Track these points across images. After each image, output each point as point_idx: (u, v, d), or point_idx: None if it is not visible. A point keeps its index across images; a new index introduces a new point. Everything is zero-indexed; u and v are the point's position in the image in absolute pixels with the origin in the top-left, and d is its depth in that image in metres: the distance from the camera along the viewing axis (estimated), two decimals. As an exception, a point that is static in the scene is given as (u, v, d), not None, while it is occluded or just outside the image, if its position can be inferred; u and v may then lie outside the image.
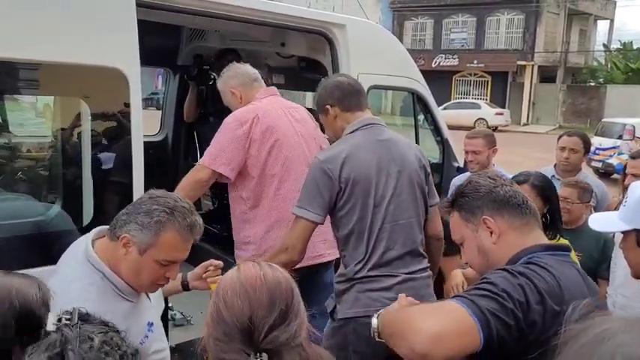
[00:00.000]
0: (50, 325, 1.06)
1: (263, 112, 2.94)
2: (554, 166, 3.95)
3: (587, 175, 3.89)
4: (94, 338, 1.02)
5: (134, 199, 2.42)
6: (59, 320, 1.07)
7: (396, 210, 2.37)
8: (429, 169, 2.55)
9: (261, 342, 1.12)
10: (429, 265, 2.50)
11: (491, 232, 1.59)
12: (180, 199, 1.69)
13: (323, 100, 2.54)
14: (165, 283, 1.73)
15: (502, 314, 1.33)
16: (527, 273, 1.43)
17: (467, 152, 3.90)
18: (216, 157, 2.84)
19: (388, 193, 2.36)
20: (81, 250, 1.71)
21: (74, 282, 1.62)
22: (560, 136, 4.00)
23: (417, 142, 4.43)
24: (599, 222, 1.92)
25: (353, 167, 2.32)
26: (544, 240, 1.63)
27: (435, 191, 2.62)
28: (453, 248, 3.35)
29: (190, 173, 2.95)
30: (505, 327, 1.31)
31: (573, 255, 2.44)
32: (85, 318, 1.09)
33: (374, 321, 1.59)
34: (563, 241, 2.43)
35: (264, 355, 1.11)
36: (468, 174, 3.99)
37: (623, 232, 1.78)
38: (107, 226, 1.73)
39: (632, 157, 3.47)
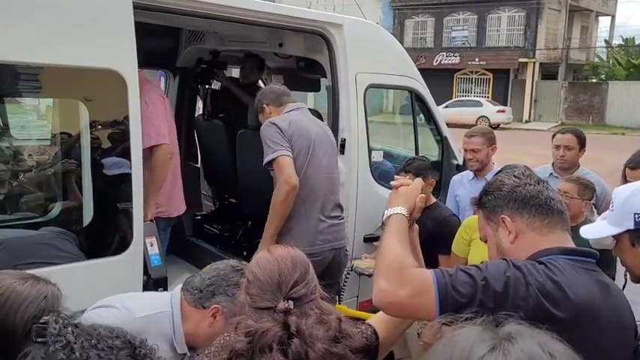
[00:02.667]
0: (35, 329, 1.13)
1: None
2: (552, 164, 3.95)
3: (588, 172, 3.88)
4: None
5: (133, 199, 2.46)
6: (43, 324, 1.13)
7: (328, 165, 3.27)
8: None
9: (288, 292, 1.50)
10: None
11: (509, 232, 1.57)
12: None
13: (261, 103, 3.42)
14: None
15: (464, 297, 1.37)
16: (525, 269, 1.42)
17: (466, 150, 3.90)
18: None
19: (321, 151, 3.21)
20: (166, 296, 1.90)
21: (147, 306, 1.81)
22: (554, 135, 4.00)
23: (416, 140, 4.45)
24: (591, 231, 1.93)
25: (295, 129, 3.17)
26: (565, 243, 1.56)
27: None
28: (447, 248, 3.39)
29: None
30: (461, 307, 1.33)
31: None
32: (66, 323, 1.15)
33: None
34: None
35: (290, 302, 1.48)
36: (468, 172, 4.01)
37: (615, 237, 1.75)
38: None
39: (632, 167, 3.39)
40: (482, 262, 1.50)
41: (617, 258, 2.82)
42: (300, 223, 3.16)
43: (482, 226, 1.67)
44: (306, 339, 1.40)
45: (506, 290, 1.37)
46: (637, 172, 3.30)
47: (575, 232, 2.96)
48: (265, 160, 3.11)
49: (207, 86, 4.89)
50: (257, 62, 4.72)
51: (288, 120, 3.20)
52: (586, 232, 1.91)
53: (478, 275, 1.41)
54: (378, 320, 1.77)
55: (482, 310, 0.98)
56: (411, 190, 1.85)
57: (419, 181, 1.93)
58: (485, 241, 1.68)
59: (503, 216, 1.58)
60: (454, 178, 4.11)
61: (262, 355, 1.38)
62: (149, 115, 3.04)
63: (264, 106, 3.39)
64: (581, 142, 3.87)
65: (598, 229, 1.87)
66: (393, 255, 1.56)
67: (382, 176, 3.97)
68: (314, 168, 3.18)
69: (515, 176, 1.63)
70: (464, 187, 3.93)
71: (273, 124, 3.16)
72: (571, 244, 1.57)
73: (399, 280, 1.47)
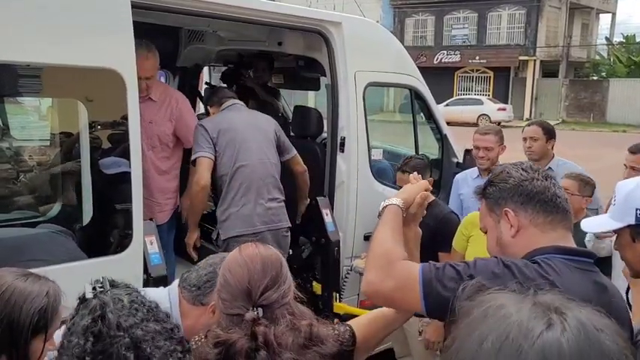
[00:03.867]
0: (88, 293, 1.25)
1: None
2: (477, 167, 3.93)
3: (565, 161, 3.89)
4: (123, 299, 1.24)
5: (133, 199, 2.46)
6: (94, 288, 1.26)
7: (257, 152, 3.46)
8: (278, 132, 3.63)
9: (257, 299, 1.46)
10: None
11: (510, 226, 1.54)
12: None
13: (207, 105, 3.94)
14: None
15: (449, 292, 1.37)
16: (515, 267, 1.41)
17: (478, 148, 3.82)
18: None
19: (251, 139, 3.44)
20: (163, 292, 1.89)
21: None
22: (522, 129, 4.04)
23: (415, 138, 4.44)
24: (592, 224, 1.92)
25: (222, 125, 3.43)
26: (565, 242, 1.53)
27: (290, 146, 3.69)
28: (450, 245, 3.39)
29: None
30: (446, 302, 1.32)
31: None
32: (113, 284, 1.30)
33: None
34: None
35: (260, 310, 1.44)
36: (472, 170, 3.98)
37: (615, 232, 1.74)
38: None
39: (632, 151, 3.47)
40: (476, 258, 1.49)
41: (616, 254, 2.85)
42: (237, 207, 3.38)
43: (484, 216, 1.64)
44: (274, 348, 1.41)
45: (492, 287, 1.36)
46: (636, 156, 3.34)
47: (576, 228, 2.99)
48: (190, 160, 3.45)
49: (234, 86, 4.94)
50: (268, 63, 4.76)
51: (215, 120, 3.55)
52: (587, 225, 1.90)
53: (465, 271, 1.41)
54: (360, 322, 1.74)
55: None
56: (414, 186, 1.87)
57: (425, 181, 1.95)
58: (486, 232, 1.65)
59: (506, 209, 1.54)
60: (458, 176, 4.09)
61: None
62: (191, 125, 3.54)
63: (209, 107, 3.84)
64: (548, 133, 3.86)
65: (599, 223, 1.87)
66: (382, 248, 1.58)
67: (378, 174, 3.98)
68: (245, 155, 3.41)
69: (523, 169, 1.58)
70: (468, 186, 3.91)
71: (201, 125, 3.48)
72: (571, 244, 1.54)
73: (385, 272, 1.51)
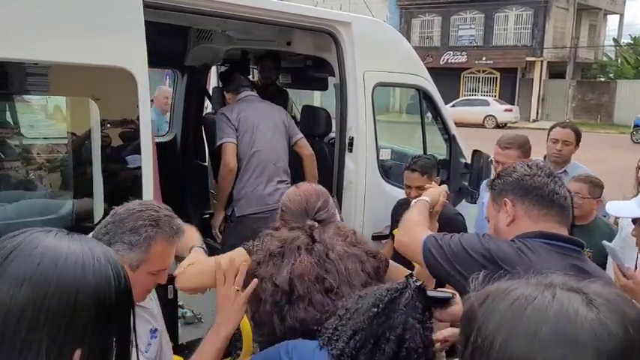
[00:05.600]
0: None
1: None
2: (544, 157, 3.87)
3: (579, 165, 3.82)
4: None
5: (143, 198, 2.47)
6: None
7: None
8: (287, 121, 4.01)
9: (313, 216, 1.95)
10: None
11: (507, 215, 1.69)
12: (160, 208, 1.66)
13: (224, 90, 4.34)
14: (154, 287, 1.74)
15: (438, 262, 1.75)
16: (491, 241, 1.66)
17: (497, 162, 3.47)
18: None
19: (265, 127, 3.81)
20: None
21: None
22: (551, 128, 3.93)
23: (424, 138, 4.43)
24: (616, 208, 2.02)
25: (240, 114, 3.80)
26: (551, 230, 1.63)
27: (297, 130, 4.05)
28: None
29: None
30: (435, 269, 1.79)
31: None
32: None
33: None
34: None
35: (315, 223, 1.92)
36: None
37: (634, 221, 1.89)
38: None
39: None
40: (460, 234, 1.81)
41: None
42: (252, 187, 3.74)
43: (489, 206, 1.83)
44: (327, 244, 1.85)
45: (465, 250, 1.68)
46: None
47: (585, 230, 2.98)
48: (216, 144, 3.83)
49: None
50: (275, 62, 4.77)
51: (234, 109, 3.88)
52: (613, 209, 2.07)
53: (453, 247, 1.74)
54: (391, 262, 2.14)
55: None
56: (438, 188, 2.31)
57: (445, 185, 2.42)
58: (489, 220, 1.83)
59: (505, 199, 1.70)
60: (483, 184, 3.94)
61: (292, 255, 1.81)
62: None
63: (225, 92, 4.26)
64: (578, 139, 3.83)
65: (624, 209, 2.02)
66: (409, 220, 2.01)
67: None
68: (260, 142, 3.79)
69: (528, 166, 1.73)
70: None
71: (222, 113, 3.86)
72: (553, 231, 1.64)
73: (406, 232, 1.96)
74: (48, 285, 0.77)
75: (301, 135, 4.03)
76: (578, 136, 3.82)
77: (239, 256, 1.87)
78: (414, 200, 2.19)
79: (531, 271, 0.82)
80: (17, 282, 0.77)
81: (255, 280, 1.75)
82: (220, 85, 4.91)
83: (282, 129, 3.94)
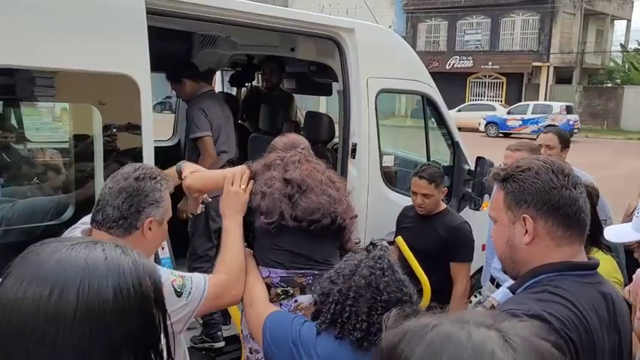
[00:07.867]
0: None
1: None
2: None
3: (578, 170, 3.78)
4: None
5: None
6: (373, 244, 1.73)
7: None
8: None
9: (300, 148, 2.42)
10: None
11: (526, 232, 1.42)
12: (146, 166, 1.85)
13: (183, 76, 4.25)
14: None
15: None
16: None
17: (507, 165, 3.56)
18: None
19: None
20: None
21: None
22: (537, 135, 3.96)
23: (427, 144, 4.43)
24: (615, 234, 1.96)
25: (213, 107, 4.01)
26: (575, 257, 1.46)
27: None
28: (462, 255, 3.37)
29: None
30: None
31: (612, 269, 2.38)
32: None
33: None
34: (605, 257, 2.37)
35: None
36: None
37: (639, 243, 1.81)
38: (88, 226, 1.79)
39: None
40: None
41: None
42: None
43: (498, 208, 1.49)
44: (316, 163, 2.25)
45: None
46: None
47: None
48: (193, 137, 3.93)
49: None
50: (278, 66, 4.78)
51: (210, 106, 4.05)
52: (610, 235, 1.96)
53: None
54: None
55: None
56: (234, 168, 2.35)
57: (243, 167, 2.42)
58: (494, 221, 1.54)
59: (525, 215, 1.42)
60: (492, 173, 3.96)
61: (293, 164, 2.15)
62: None
63: (184, 78, 4.18)
64: (563, 142, 3.81)
65: (622, 234, 1.94)
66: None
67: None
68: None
69: (554, 173, 1.42)
70: None
71: (201, 109, 3.99)
72: (578, 259, 1.47)
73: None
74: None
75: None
76: (562, 140, 3.82)
77: (241, 168, 2.22)
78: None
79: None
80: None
81: (252, 182, 2.14)
82: (226, 90, 4.95)
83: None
